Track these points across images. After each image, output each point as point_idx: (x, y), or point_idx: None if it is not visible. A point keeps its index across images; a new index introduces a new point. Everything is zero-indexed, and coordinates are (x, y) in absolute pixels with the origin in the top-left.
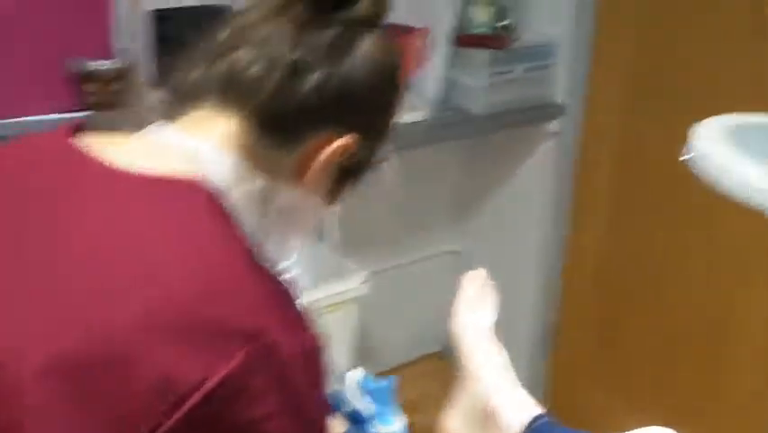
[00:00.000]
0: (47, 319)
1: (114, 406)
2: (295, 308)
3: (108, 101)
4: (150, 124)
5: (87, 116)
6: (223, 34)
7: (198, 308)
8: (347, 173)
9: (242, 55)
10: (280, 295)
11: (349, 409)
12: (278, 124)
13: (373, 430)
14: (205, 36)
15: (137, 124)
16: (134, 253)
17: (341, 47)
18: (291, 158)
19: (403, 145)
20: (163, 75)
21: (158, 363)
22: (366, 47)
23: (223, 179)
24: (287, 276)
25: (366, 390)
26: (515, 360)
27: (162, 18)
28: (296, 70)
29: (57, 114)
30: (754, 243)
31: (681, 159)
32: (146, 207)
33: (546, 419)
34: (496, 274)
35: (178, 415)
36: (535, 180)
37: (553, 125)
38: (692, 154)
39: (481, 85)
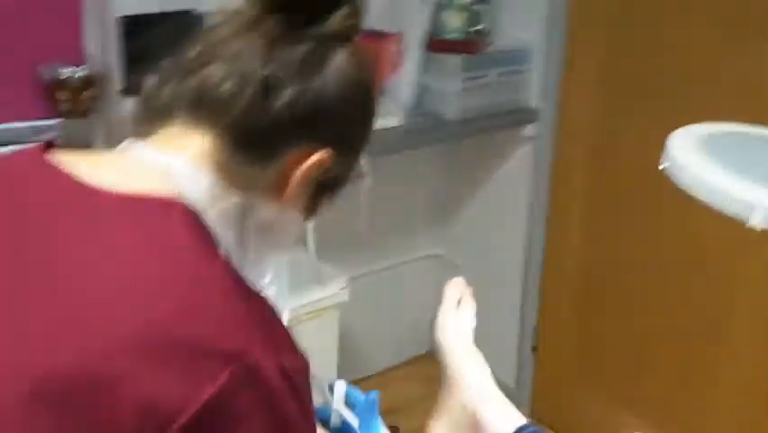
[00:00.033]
0: (29, 345)
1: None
2: (277, 325)
3: (80, 109)
4: (122, 139)
5: (59, 127)
6: (194, 50)
7: (179, 329)
8: (324, 187)
9: (214, 71)
10: (262, 313)
11: (337, 423)
12: (252, 140)
13: None
14: (176, 51)
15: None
16: (113, 275)
17: (313, 62)
18: (267, 174)
19: (378, 151)
20: (133, 82)
21: (142, 387)
22: (339, 62)
23: (198, 197)
24: (267, 292)
25: (351, 403)
26: (499, 361)
27: (132, 25)
28: (268, 87)
29: (28, 121)
30: (730, 243)
31: (660, 168)
32: (123, 228)
33: (531, 429)
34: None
35: None
36: (513, 184)
37: (529, 130)
38: (666, 164)
39: (455, 90)
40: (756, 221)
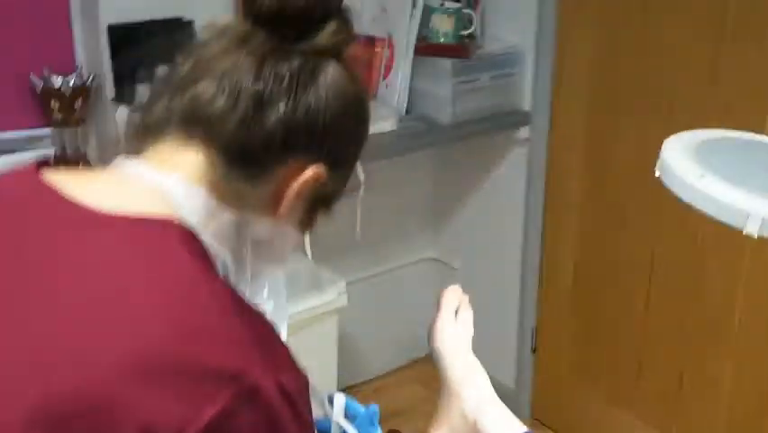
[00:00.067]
0: (28, 371)
1: None
2: (276, 343)
3: (72, 117)
4: (114, 147)
5: (52, 136)
6: (185, 66)
7: (178, 351)
8: (319, 201)
9: (206, 88)
10: (261, 332)
11: None
12: (245, 156)
13: None
14: (166, 59)
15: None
16: (111, 298)
17: (304, 77)
18: (261, 190)
19: (372, 156)
20: (125, 90)
21: (142, 411)
22: (330, 76)
23: (194, 215)
24: (265, 307)
25: (351, 415)
26: (498, 363)
27: (122, 33)
28: (260, 102)
29: (20, 131)
30: (728, 242)
31: (656, 175)
32: (121, 251)
33: None
34: (474, 279)
35: None
36: (508, 186)
37: (522, 132)
38: (659, 173)
39: (446, 94)
40: (752, 229)
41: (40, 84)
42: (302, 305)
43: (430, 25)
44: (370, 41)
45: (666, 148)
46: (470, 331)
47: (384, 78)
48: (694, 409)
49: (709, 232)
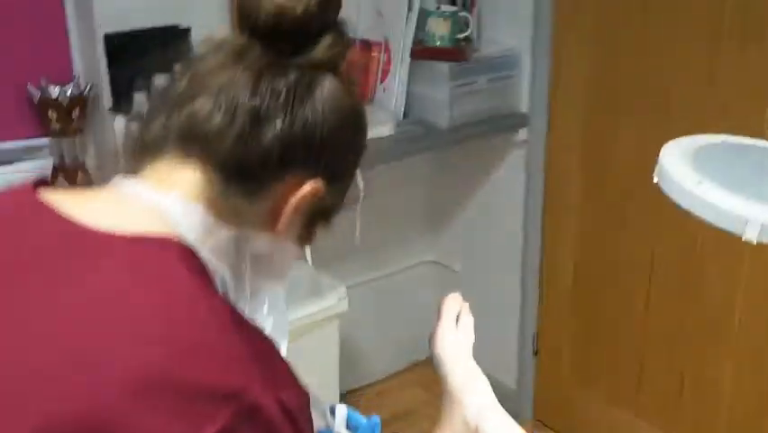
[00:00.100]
0: (28, 392)
1: None
2: (276, 359)
3: (70, 127)
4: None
5: (50, 145)
6: (181, 82)
7: (178, 371)
8: (318, 215)
9: (202, 104)
10: (261, 349)
11: None
12: (242, 173)
13: None
14: (165, 83)
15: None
16: (111, 317)
17: (301, 91)
18: (259, 206)
19: (371, 161)
20: (122, 99)
21: (142, 431)
22: (326, 90)
23: (192, 233)
24: (265, 323)
25: (353, 426)
26: (500, 364)
27: (119, 41)
28: (257, 118)
29: (18, 141)
30: (728, 242)
31: (654, 181)
32: (121, 270)
33: None
34: (475, 281)
35: None
36: (507, 188)
37: (521, 134)
38: (657, 179)
39: (444, 98)
40: (750, 235)
41: (37, 94)
42: (303, 311)
43: (426, 29)
44: (367, 45)
45: (664, 154)
46: (471, 338)
47: (381, 83)
48: (695, 409)
49: (709, 233)
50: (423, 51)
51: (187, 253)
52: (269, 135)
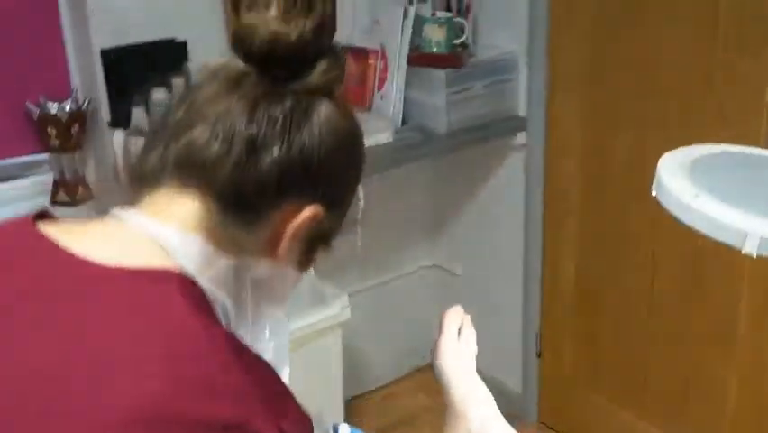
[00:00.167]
0: (29, 428)
1: None
2: (278, 388)
3: (69, 143)
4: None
5: (50, 161)
6: (178, 112)
7: (179, 404)
8: (317, 240)
9: (199, 134)
10: (262, 378)
11: None
12: (241, 202)
13: None
14: (161, 115)
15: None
16: (110, 353)
17: (298, 118)
18: (258, 234)
19: (370, 169)
20: (121, 113)
21: None
22: (323, 115)
23: (192, 264)
24: (267, 347)
25: None
26: (505, 367)
27: (116, 56)
28: (254, 146)
29: (18, 157)
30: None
31: (653, 194)
32: (119, 302)
33: None
34: (476, 285)
35: None
36: (507, 191)
37: (519, 138)
38: (655, 193)
39: (441, 104)
40: (750, 249)
41: (36, 111)
42: (306, 320)
43: (422, 35)
44: (363, 53)
45: (661, 167)
46: (474, 350)
47: (379, 90)
48: (700, 412)
49: None
50: (419, 58)
51: (187, 285)
52: (266, 162)
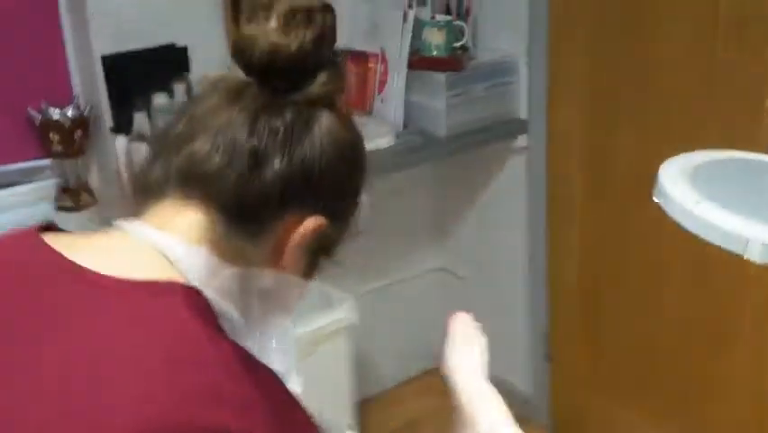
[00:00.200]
0: None
1: None
2: (285, 399)
3: (72, 148)
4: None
5: (53, 167)
6: (180, 125)
7: (184, 415)
8: (321, 250)
9: (201, 146)
10: (268, 389)
11: None
12: (244, 213)
13: None
14: (163, 127)
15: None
16: (115, 365)
17: (299, 129)
18: (262, 245)
19: (373, 173)
20: (122, 118)
21: None
22: (324, 126)
23: (196, 275)
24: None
25: None
26: (515, 370)
27: (117, 62)
28: (256, 158)
29: (21, 163)
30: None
31: (655, 200)
32: (124, 315)
33: None
34: (482, 287)
35: None
36: (510, 193)
37: (520, 140)
38: (657, 199)
39: (441, 107)
40: (752, 255)
41: (38, 117)
42: (314, 324)
43: (422, 38)
44: (363, 56)
45: (663, 173)
46: (486, 357)
47: (379, 93)
48: (711, 411)
49: None
50: (419, 61)
51: (192, 296)
52: (268, 174)
